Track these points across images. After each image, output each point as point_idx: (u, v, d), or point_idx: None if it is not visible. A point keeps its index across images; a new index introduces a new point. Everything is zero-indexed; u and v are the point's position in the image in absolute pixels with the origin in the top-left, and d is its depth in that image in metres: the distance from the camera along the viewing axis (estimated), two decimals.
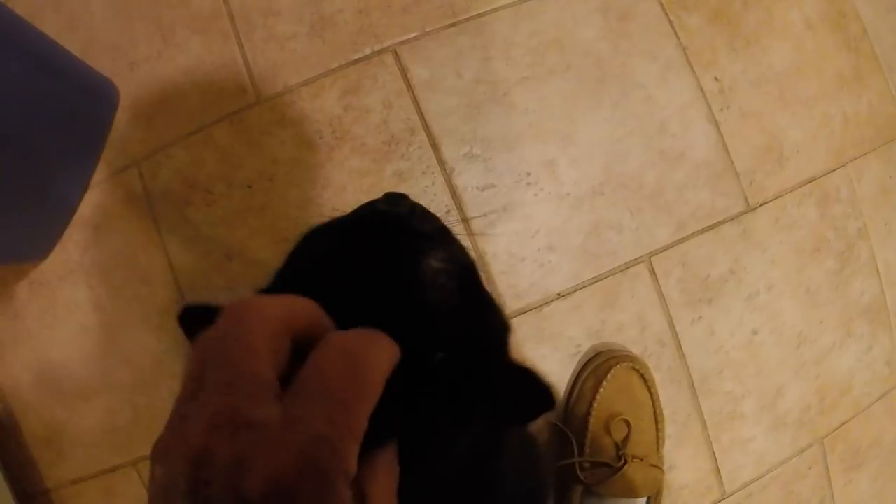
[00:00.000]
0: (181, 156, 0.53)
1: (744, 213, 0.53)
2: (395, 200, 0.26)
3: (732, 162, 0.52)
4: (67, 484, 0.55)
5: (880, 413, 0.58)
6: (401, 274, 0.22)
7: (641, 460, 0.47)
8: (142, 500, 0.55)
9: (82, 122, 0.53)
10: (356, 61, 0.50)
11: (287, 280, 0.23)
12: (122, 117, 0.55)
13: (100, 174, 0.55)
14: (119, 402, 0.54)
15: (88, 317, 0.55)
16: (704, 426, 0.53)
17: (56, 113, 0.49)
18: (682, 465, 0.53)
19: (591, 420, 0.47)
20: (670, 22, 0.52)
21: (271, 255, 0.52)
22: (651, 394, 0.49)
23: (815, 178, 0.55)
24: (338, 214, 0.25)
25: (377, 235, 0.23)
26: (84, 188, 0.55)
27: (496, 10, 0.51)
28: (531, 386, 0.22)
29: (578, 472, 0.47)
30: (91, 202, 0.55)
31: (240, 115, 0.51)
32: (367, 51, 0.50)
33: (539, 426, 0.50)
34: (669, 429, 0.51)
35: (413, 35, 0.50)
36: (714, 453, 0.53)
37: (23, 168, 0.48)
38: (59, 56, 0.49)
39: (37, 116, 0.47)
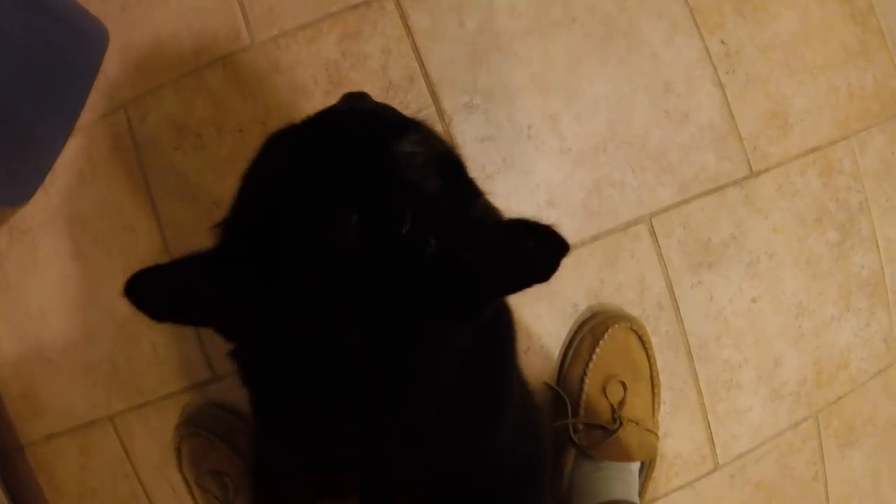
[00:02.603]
0: (171, 99, 0.52)
1: (747, 178, 0.53)
2: (356, 98, 0.25)
3: (737, 126, 0.52)
4: (43, 440, 0.54)
5: (875, 390, 0.59)
6: (371, 159, 0.20)
7: (637, 424, 0.47)
8: (117, 457, 0.53)
9: (69, 63, 0.52)
10: (356, 6, 0.49)
11: (253, 189, 0.22)
12: (110, 60, 0.53)
13: (85, 118, 0.53)
14: (98, 355, 0.53)
15: (69, 266, 0.54)
16: (700, 394, 0.53)
17: (42, 53, 0.48)
18: (676, 433, 0.52)
19: (587, 381, 0.47)
20: None
21: None
22: (648, 356, 0.49)
23: (819, 148, 0.55)
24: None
25: (341, 129, 0.22)
26: (68, 132, 0.54)
27: None
28: (537, 235, 0.20)
29: (572, 434, 0.46)
30: (75, 146, 0.54)
31: (233, 59, 0.50)
32: None
33: (533, 387, 0.49)
34: (665, 395, 0.51)
35: None
36: (709, 422, 0.53)
37: (3, 108, 0.46)
38: None
39: (22, 55, 0.45)
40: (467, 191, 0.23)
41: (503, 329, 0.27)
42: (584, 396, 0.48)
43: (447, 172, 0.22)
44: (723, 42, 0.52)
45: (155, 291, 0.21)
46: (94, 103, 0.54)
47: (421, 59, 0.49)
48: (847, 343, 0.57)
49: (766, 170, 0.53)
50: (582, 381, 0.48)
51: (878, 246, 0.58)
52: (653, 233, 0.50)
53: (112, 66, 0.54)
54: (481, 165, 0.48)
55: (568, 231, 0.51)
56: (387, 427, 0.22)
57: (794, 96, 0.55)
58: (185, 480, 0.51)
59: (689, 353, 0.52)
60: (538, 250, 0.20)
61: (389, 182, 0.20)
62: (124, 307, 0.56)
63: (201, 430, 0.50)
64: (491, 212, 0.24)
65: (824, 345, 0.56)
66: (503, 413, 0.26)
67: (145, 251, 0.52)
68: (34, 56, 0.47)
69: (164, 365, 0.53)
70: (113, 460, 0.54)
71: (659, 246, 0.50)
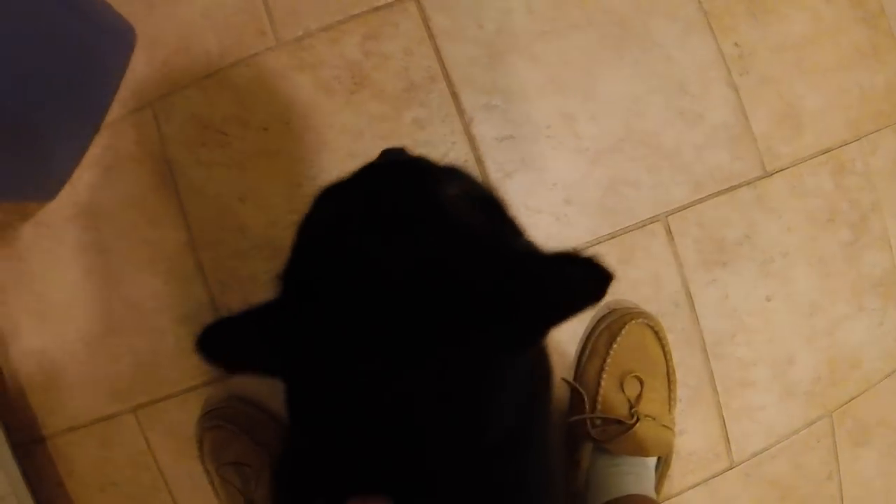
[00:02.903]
0: (197, 98, 0.53)
1: (760, 178, 0.54)
2: (395, 152, 0.26)
3: (750, 126, 0.53)
4: (64, 432, 0.55)
5: (888, 390, 0.59)
6: (420, 205, 0.22)
7: (653, 419, 0.47)
8: (138, 450, 0.54)
9: (97, 61, 0.53)
10: (378, 8, 0.50)
11: (307, 241, 0.23)
12: (137, 59, 0.55)
13: (112, 115, 0.55)
14: (121, 347, 0.54)
15: (94, 259, 0.55)
16: (715, 391, 0.53)
17: (72, 50, 0.49)
18: (691, 429, 0.53)
19: (605, 376, 0.48)
20: None
21: (284, 198, 0.52)
22: (665, 352, 0.49)
23: (831, 149, 0.56)
24: (354, 160, 0.25)
25: (387, 180, 0.23)
26: (96, 129, 0.55)
27: None
28: (581, 265, 0.21)
29: (590, 428, 0.47)
30: (102, 143, 0.55)
31: (257, 59, 0.52)
32: None
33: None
34: (680, 392, 0.52)
35: None
36: (724, 420, 0.53)
37: (36, 103, 0.48)
38: None
39: (51, 52, 0.47)
40: (511, 229, 0.24)
41: (545, 375, 0.27)
42: (601, 392, 0.48)
43: (491, 213, 0.23)
44: (736, 44, 0.53)
45: (224, 344, 0.22)
46: (122, 101, 0.55)
47: (442, 60, 0.50)
48: (860, 342, 0.58)
49: (779, 170, 0.54)
50: (599, 377, 0.49)
51: (890, 245, 0.59)
52: (668, 231, 0.51)
53: (139, 64, 0.55)
54: (500, 164, 0.49)
55: (584, 228, 0.52)
56: (432, 464, 0.22)
57: (806, 97, 0.56)
58: (207, 472, 0.52)
59: (705, 351, 0.53)
60: (584, 279, 0.21)
61: (440, 223, 0.21)
62: (148, 300, 0.57)
63: (223, 422, 0.51)
64: (533, 248, 0.24)
65: (837, 344, 0.57)
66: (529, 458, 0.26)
67: (170, 246, 0.54)
68: (64, 53, 0.48)
69: (186, 358, 0.54)
70: (134, 452, 0.55)
71: (675, 244, 0.51)
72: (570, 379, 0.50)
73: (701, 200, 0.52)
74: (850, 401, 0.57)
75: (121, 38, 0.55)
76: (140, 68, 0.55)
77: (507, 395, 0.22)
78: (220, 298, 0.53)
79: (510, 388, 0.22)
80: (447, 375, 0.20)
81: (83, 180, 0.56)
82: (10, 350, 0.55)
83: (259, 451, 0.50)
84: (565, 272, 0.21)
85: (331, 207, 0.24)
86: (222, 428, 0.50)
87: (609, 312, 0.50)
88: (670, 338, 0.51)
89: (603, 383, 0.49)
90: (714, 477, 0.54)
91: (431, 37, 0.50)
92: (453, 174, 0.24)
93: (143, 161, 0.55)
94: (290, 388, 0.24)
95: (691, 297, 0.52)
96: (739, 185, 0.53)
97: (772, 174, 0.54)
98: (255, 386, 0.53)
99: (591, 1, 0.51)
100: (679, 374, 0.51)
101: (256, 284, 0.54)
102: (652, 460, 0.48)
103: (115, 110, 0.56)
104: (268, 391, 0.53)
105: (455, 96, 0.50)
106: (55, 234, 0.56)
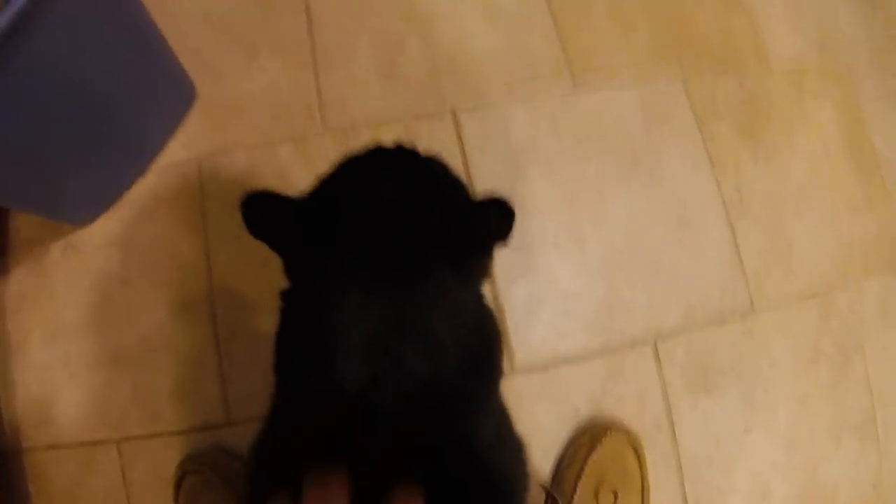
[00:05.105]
0: (242, 163, 0.60)
1: (748, 313, 0.59)
2: (398, 143, 0.37)
3: (743, 264, 0.60)
4: (46, 448, 0.56)
5: None
6: (408, 164, 0.34)
7: None
8: (114, 482, 0.56)
9: (158, 107, 0.60)
10: (417, 113, 0.58)
11: (329, 179, 0.34)
12: (194, 115, 0.62)
13: (161, 161, 0.61)
14: (122, 377, 0.57)
15: (114, 289, 0.59)
16: None
17: (139, 91, 0.56)
18: None
19: (580, 484, 0.51)
20: (700, 129, 0.61)
21: None
22: (642, 469, 0.53)
23: (819, 293, 0.62)
24: None
25: (392, 153, 0.35)
26: (143, 169, 0.61)
27: (549, 90, 0.61)
28: (500, 207, 0.32)
29: None
30: (146, 184, 0.61)
31: (304, 139, 0.59)
32: (429, 105, 0.59)
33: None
34: None
35: (472, 102, 0.59)
36: None
37: (99, 131, 0.54)
38: (158, 42, 0.56)
39: (126, 89, 0.53)
40: (463, 191, 0.36)
41: (492, 329, 0.35)
42: (575, 498, 0.52)
43: (454, 182, 0.35)
44: (736, 187, 0.61)
45: (257, 213, 0.31)
46: (172, 150, 0.62)
47: (468, 167, 0.57)
48: (836, 481, 0.61)
49: (768, 308, 0.60)
50: (575, 485, 0.52)
51: (871, 390, 0.63)
52: (657, 354, 0.56)
53: (195, 121, 0.62)
54: (507, 270, 0.55)
55: (578, 340, 0.58)
56: (396, 365, 0.27)
57: (798, 241, 0.62)
58: None
59: (681, 473, 0.56)
60: (501, 216, 0.32)
61: (423, 181, 0.33)
62: (157, 338, 0.61)
63: (206, 469, 0.53)
64: (473, 201, 0.36)
65: (813, 479, 0.60)
66: (490, 387, 0.33)
67: (190, 291, 0.58)
68: (132, 92, 0.54)
69: (183, 400, 0.57)
70: (109, 484, 0.56)
71: (662, 367, 0.56)
72: (547, 485, 0.54)
73: (690, 328, 0.57)
74: None
75: (182, 93, 0.63)
76: (194, 125, 0.63)
77: (457, 317, 0.30)
78: (226, 347, 0.57)
79: (459, 308, 0.30)
80: (414, 282, 0.29)
81: (120, 214, 0.61)
82: (12, 358, 0.58)
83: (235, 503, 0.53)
84: (490, 212, 0.32)
85: (350, 164, 0.34)
86: (203, 474, 0.53)
87: (592, 424, 0.55)
88: (649, 457, 0.55)
89: (578, 491, 0.52)
90: None
91: (461, 144, 0.58)
92: (434, 157, 0.36)
93: (180, 208, 0.61)
94: (291, 289, 0.32)
95: (673, 420, 0.56)
96: (728, 318, 0.59)
97: (760, 311, 0.60)
98: (244, 441, 0.56)
99: (611, 131, 0.59)
100: (653, 494, 0.55)
101: (263, 340, 0.59)
102: None
103: (164, 157, 0.62)
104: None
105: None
106: (83, 258, 0.60)
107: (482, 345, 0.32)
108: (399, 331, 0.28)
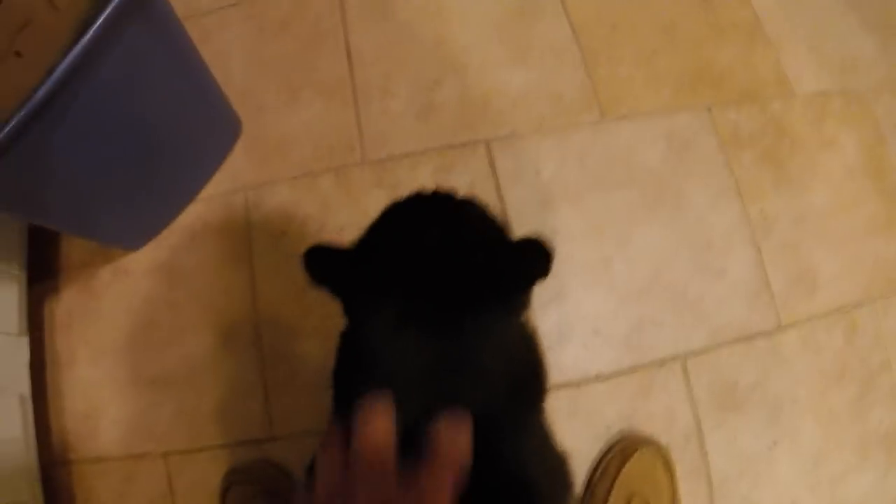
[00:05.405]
0: (285, 193, 0.64)
1: (775, 330, 0.61)
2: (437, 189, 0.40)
3: (769, 283, 0.62)
4: (92, 460, 0.59)
5: None
6: (448, 210, 0.37)
7: None
8: (160, 493, 0.58)
9: (208, 140, 0.65)
10: (452, 146, 0.62)
11: (376, 228, 0.37)
12: (240, 148, 0.67)
13: (208, 191, 0.66)
14: (167, 395, 0.60)
15: (161, 312, 0.63)
16: None
17: (192, 126, 0.60)
18: None
19: (612, 496, 0.54)
20: (725, 155, 0.63)
21: None
22: (672, 482, 0.56)
23: (844, 309, 0.64)
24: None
25: (431, 199, 0.38)
26: (191, 198, 0.66)
27: (578, 123, 0.64)
28: (537, 247, 0.34)
29: None
30: (194, 212, 0.65)
31: (344, 170, 0.63)
32: (464, 139, 0.62)
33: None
34: None
35: (505, 133, 0.62)
36: None
37: (151, 163, 0.58)
38: (207, 79, 0.60)
39: (178, 122, 0.57)
40: (500, 232, 0.38)
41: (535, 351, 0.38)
42: None
43: (490, 223, 0.38)
44: (761, 210, 0.63)
45: (317, 264, 0.34)
46: (219, 181, 0.66)
47: (502, 197, 0.61)
48: (863, 494, 0.63)
49: (793, 325, 0.62)
50: (607, 497, 0.55)
51: None
52: (685, 372, 0.59)
53: (240, 153, 0.67)
54: (538, 294, 0.58)
55: (608, 359, 0.61)
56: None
57: (823, 261, 0.64)
58: None
59: (710, 486, 0.59)
60: (539, 256, 0.34)
61: (461, 225, 0.36)
62: (202, 358, 0.65)
63: (250, 480, 0.56)
64: (509, 240, 0.38)
65: (840, 493, 0.62)
66: (536, 409, 0.35)
67: (235, 315, 0.62)
68: (183, 125, 0.58)
69: (227, 417, 0.60)
70: (155, 495, 0.58)
71: (690, 384, 0.59)
72: (578, 500, 0.56)
73: (717, 346, 0.60)
74: None
75: (228, 127, 0.67)
76: (240, 157, 0.67)
77: (508, 351, 0.33)
78: (270, 368, 0.60)
79: (503, 339, 0.33)
80: (474, 321, 0.31)
81: (169, 241, 0.66)
82: (61, 374, 0.62)
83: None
84: (530, 251, 0.34)
85: (394, 212, 0.37)
86: (249, 485, 0.56)
87: (622, 438, 0.58)
88: (678, 469, 0.57)
89: (610, 502, 0.55)
90: None
91: (495, 176, 0.61)
92: (471, 200, 0.39)
93: (227, 236, 0.66)
94: (348, 329, 0.35)
95: (702, 435, 0.59)
96: (754, 336, 0.61)
97: (786, 328, 0.62)
98: (287, 454, 0.59)
99: (636, 163, 0.62)
100: None
101: (305, 363, 0.61)
102: None
103: (211, 188, 0.67)
104: (295, 460, 0.59)
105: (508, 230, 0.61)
106: (132, 281, 0.65)
107: (528, 371, 0.36)
108: (452, 364, 0.31)
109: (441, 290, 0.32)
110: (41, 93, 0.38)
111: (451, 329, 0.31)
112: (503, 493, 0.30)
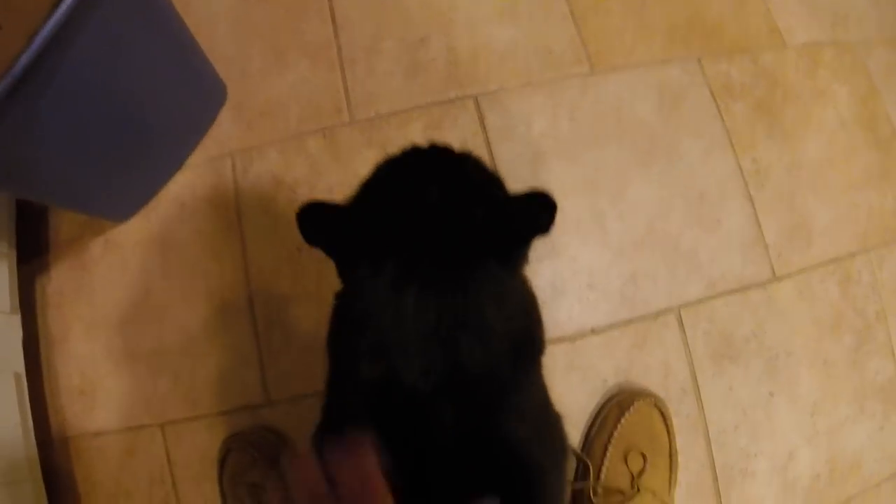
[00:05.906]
0: (273, 156, 0.64)
1: (770, 281, 0.62)
2: (432, 143, 0.39)
3: (763, 235, 0.62)
4: (90, 435, 0.59)
5: (888, 493, 0.64)
6: (448, 165, 0.36)
7: (653, 494, 0.54)
8: (159, 464, 0.58)
9: (193, 106, 0.64)
10: (441, 103, 0.62)
11: (370, 183, 0.36)
12: (225, 114, 0.66)
13: (195, 158, 0.65)
14: (163, 365, 0.60)
15: (154, 282, 0.62)
16: (715, 479, 0.59)
17: (176, 92, 0.59)
18: None
19: (610, 448, 0.55)
20: (717, 106, 0.63)
21: None
22: (669, 434, 0.56)
23: (839, 260, 0.64)
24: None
25: (428, 153, 0.37)
26: (178, 166, 0.65)
27: (567, 77, 0.63)
28: (541, 200, 0.33)
29: (591, 496, 0.54)
30: (181, 180, 0.64)
31: (332, 131, 0.63)
32: (452, 95, 0.62)
33: None
34: (681, 476, 0.58)
35: (493, 88, 0.62)
36: None
37: (136, 131, 0.57)
38: (190, 45, 0.59)
39: (161, 89, 0.57)
40: (499, 185, 0.37)
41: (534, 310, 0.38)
42: (606, 462, 0.55)
43: (489, 176, 0.37)
44: (754, 160, 0.63)
45: (311, 222, 0.34)
46: (206, 147, 0.65)
47: (492, 153, 0.60)
48: (861, 444, 0.63)
49: (788, 275, 0.62)
50: (605, 449, 0.55)
51: (893, 354, 0.65)
52: (681, 323, 0.59)
53: (226, 119, 0.66)
54: (532, 250, 0.58)
55: (604, 312, 0.61)
56: (446, 349, 0.30)
57: (817, 211, 0.65)
58: (222, 494, 0.56)
59: (708, 438, 0.59)
60: (542, 209, 0.33)
61: (460, 178, 0.35)
62: (197, 327, 0.65)
63: (249, 446, 0.56)
64: (510, 194, 0.38)
65: (838, 444, 0.63)
66: (534, 366, 0.35)
67: (227, 281, 0.62)
68: (167, 92, 0.58)
69: (223, 384, 0.60)
70: (154, 466, 0.58)
71: (685, 335, 0.59)
72: (577, 451, 0.57)
73: (712, 298, 0.60)
74: (847, 501, 0.62)
75: (214, 92, 0.66)
76: (226, 123, 0.67)
77: (510, 307, 0.32)
78: (264, 334, 0.60)
79: (504, 294, 0.33)
80: (463, 274, 0.31)
81: (157, 211, 0.65)
82: (55, 351, 0.62)
83: (278, 480, 0.56)
84: (531, 204, 0.33)
85: (390, 167, 0.36)
86: (246, 451, 0.56)
87: (620, 391, 0.58)
88: (676, 422, 0.58)
89: (609, 454, 0.55)
90: None
91: (485, 132, 0.61)
92: (469, 153, 0.38)
93: (216, 203, 0.65)
94: (344, 290, 0.34)
95: (698, 387, 0.59)
96: (750, 287, 0.61)
97: (781, 279, 0.62)
98: (283, 420, 0.59)
99: (627, 116, 0.61)
100: (681, 459, 0.57)
101: (299, 326, 0.61)
102: None
103: (198, 154, 0.66)
104: (293, 424, 0.60)
105: None
106: (122, 253, 0.64)
107: (528, 326, 0.35)
108: (453, 322, 0.30)
109: (442, 247, 0.31)
110: (23, 60, 0.37)
111: (453, 287, 0.31)
112: (503, 475, 0.29)
